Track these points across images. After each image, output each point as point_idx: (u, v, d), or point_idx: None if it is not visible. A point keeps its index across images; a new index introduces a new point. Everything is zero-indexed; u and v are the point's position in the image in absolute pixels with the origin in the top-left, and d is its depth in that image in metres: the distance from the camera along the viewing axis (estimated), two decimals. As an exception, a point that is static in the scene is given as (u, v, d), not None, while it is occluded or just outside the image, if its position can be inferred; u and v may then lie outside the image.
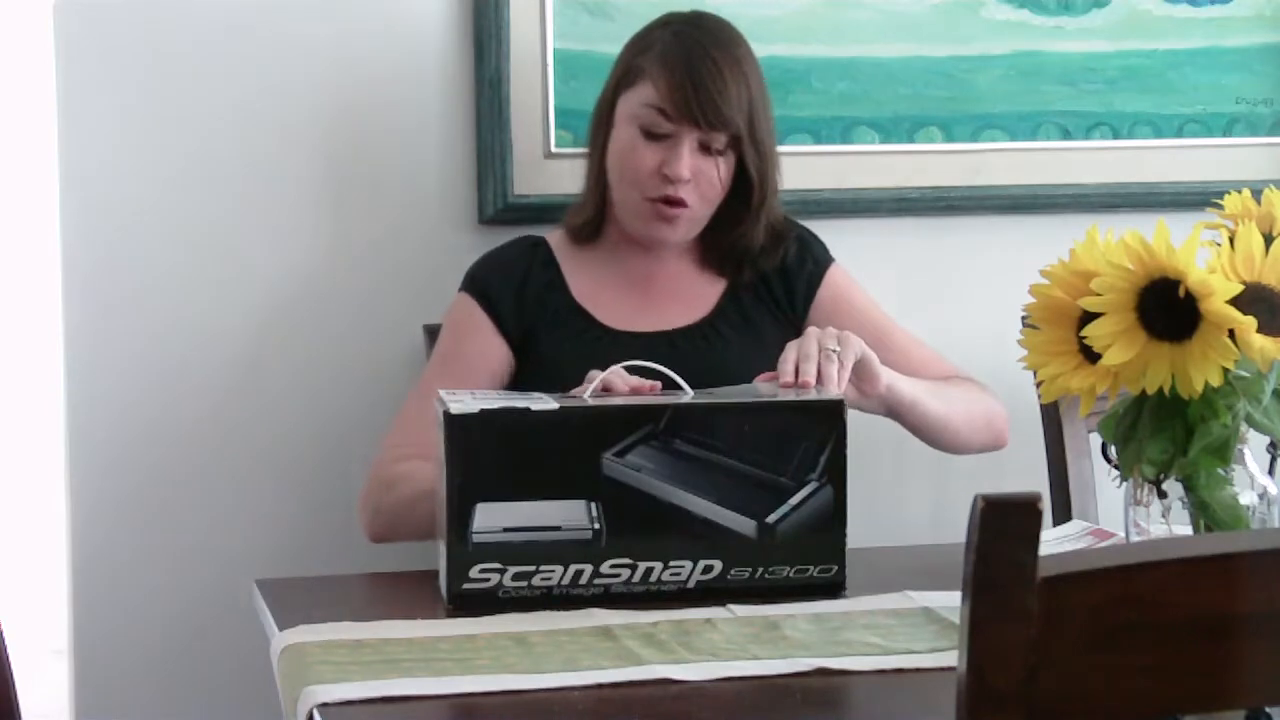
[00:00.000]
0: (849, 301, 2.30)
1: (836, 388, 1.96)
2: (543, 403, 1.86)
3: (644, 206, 2.21)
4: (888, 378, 2.08)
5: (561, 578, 1.84)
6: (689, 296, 2.28)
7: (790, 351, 1.99)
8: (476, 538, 1.83)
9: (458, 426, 1.82)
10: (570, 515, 1.84)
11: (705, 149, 2.20)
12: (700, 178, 2.20)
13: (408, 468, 2.11)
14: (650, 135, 2.20)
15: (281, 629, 1.78)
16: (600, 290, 2.27)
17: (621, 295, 2.27)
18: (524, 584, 1.84)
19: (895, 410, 2.13)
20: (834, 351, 1.99)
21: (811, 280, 2.30)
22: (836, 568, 1.89)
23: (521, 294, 2.25)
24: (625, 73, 2.24)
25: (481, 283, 2.28)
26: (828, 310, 2.27)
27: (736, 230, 2.26)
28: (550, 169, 2.47)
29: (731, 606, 1.83)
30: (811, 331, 2.02)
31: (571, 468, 1.84)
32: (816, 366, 1.96)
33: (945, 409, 2.19)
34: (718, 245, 2.28)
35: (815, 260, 2.31)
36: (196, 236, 2.44)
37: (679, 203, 2.20)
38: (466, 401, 1.86)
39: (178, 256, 2.44)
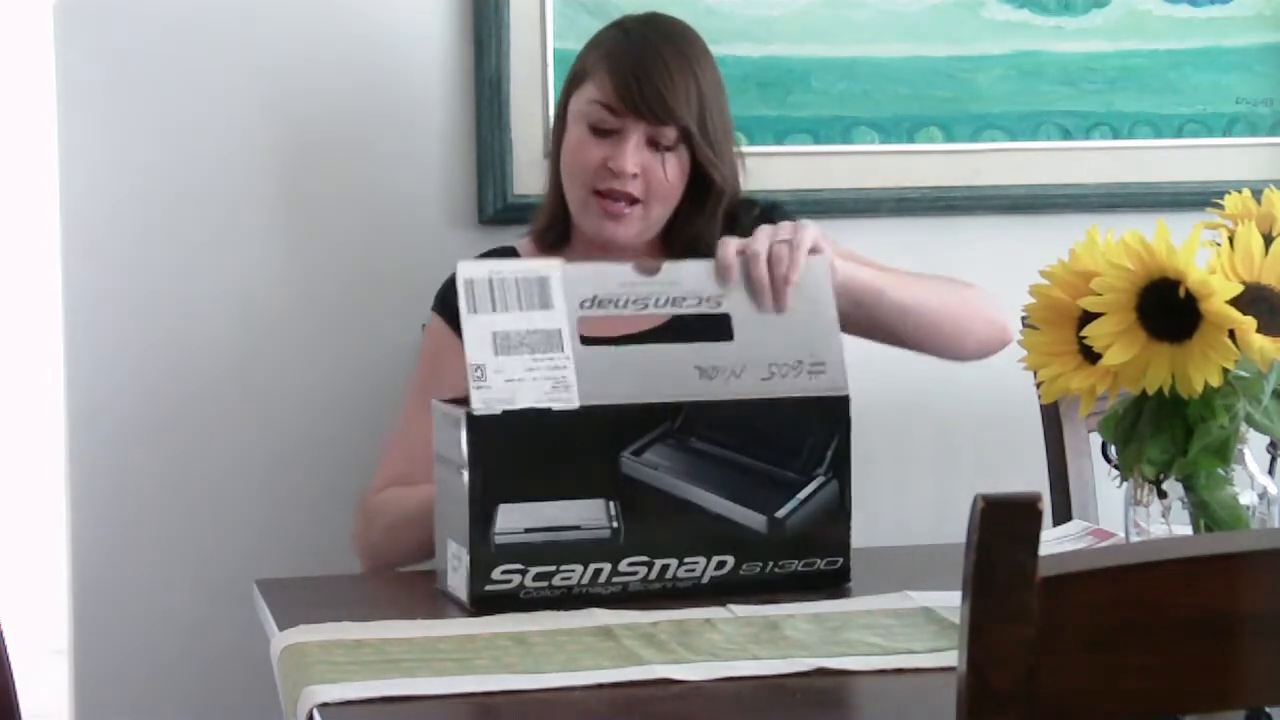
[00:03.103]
0: None
1: (791, 273, 1.91)
2: (563, 402, 1.85)
3: (591, 203, 2.19)
4: (845, 271, 2.02)
5: (581, 577, 1.84)
6: None
7: (731, 245, 1.92)
8: (499, 539, 1.83)
9: (480, 428, 1.82)
10: (589, 514, 1.85)
11: (654, 145, 2.18)
12: (649, 174, 2.18)
13: (385, 498, 2.11)
14: (597, 131, 2.18)
15: (281, 629, 1.78)
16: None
17: None
18: (545, 584, 1.84)
19: (861, 302, 2.06)
20: (785, 242, 1.93)
21: None
22: (842, 559, 1.91)
23: None
24: (575, 73, 2.24)
25: (452, 304, 2.26)
26: None
27: (690, 229, 2.23)
28: (550, 169, 2.48)
29: (731, 606, 1.83)
30: (762, 229, 1.95)
31: (590, 467, 1.85)
32: (766, 261, 1.91)
33: (920, 296, 2.12)
34: (676, 245, 2.25)
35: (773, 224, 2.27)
36: (196, 236, 2.45)
37: (626, 197, 2.18)
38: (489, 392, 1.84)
39: (178, 256, 2.44)
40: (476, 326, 1.83)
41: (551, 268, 1.86)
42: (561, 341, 1.84)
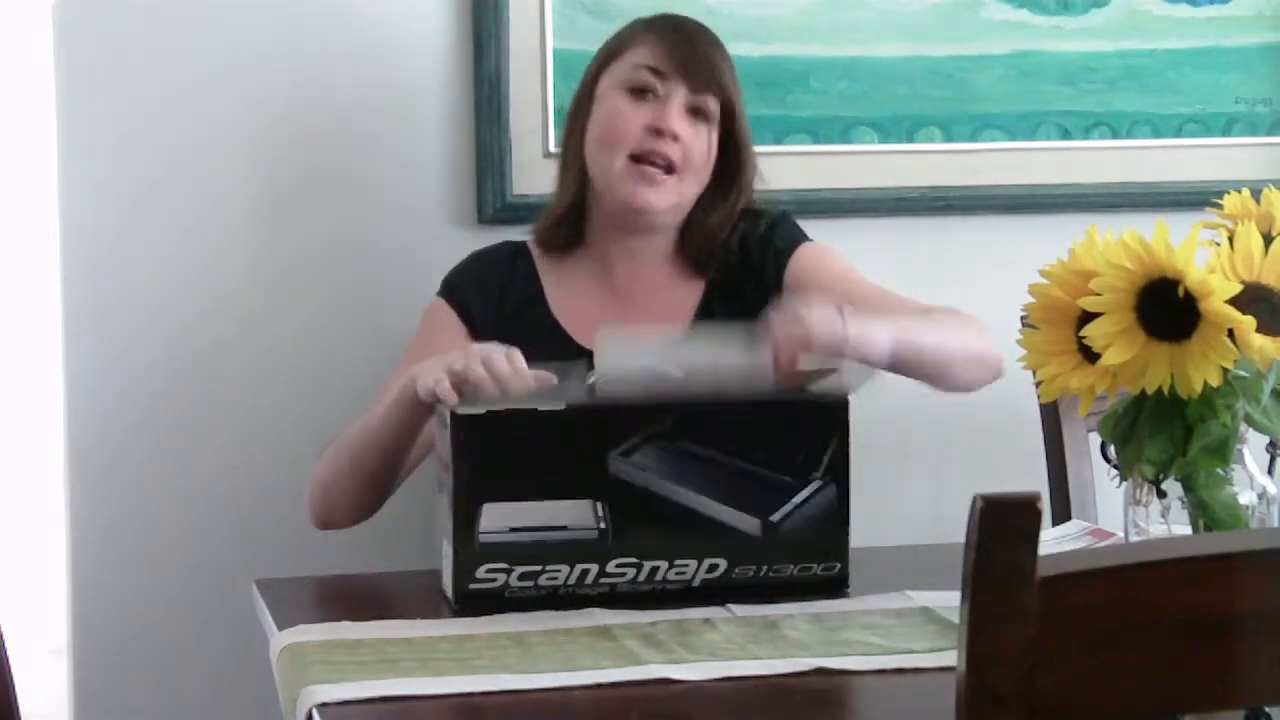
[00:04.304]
0: (816, 281, 2.21)
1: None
2: (550, 402, 1.85)
3: (628, 168, 2.17)
4: (888, 343, 1.97)
5: (568, 577, 1.84)
6: (666, 309, 2.24)
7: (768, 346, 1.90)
8: (483, 538, 1.83)
9: (464, 427, 1.82)
10: (576, 515, 1.85)
11: (695, 114, 2.19)
12: (688, 143, 2.18)
13: (330, 450, 2.15)
14: (639, 95, 2.18)
15: (281, 629, 1.78)
16: (579, 303, 2.25)
17: (601, 309, 2.23)
18: (530, 584, 1.84)
19: (899, 366, 2.04)
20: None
21: (777, 268, 2.24)
22: (840, 565, 1.90)
23: (500, 309, 2.23)
24: (609, 53, 2.24)
25: (461, 293, 2.26)
26: (797, 291, 2.21)
27: (708, 220, 2.23)
28: (550, 168, 2.46)
29: (731, 606, 1.83)
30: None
31: (578, 468, 1.85)
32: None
33: (942, 348, 2.09)
34: (691, 241, 2.24)
35: (778, 250, 2.25)
36: (195, 235, 2.45)
37: (665, 161, 2.17)
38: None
39: (177, 256, 2.44)
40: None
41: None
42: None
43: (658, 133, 2.16)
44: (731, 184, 2.23)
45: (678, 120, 2.17)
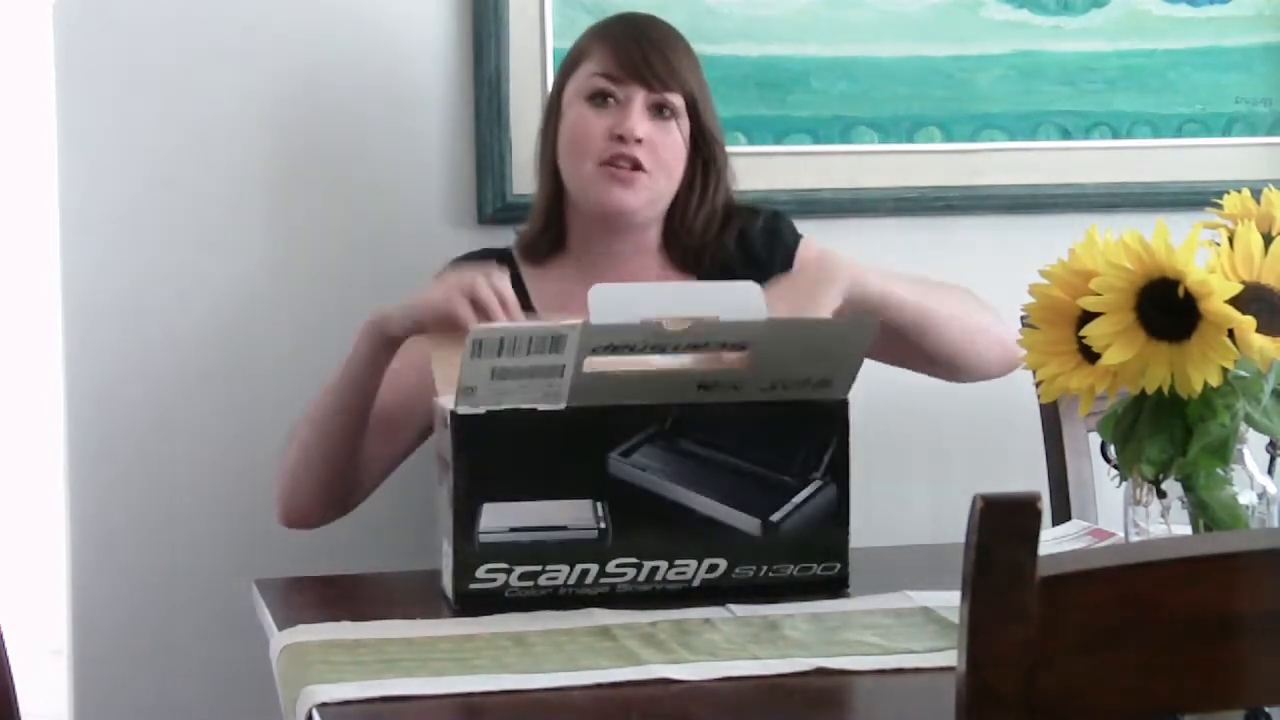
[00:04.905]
0: (831, 261, 2.16)
1: None
2: (550, 401, 1.84)
3: (598, 174, 2.19)
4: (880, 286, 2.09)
5: (567, 577, 1.84)
6: None
7: None
8: (483, 538, 1.82)
9: (463, 427, 1.82)
10: (576, 515, 1.84)
11: (658, 112, 2.19)
12: (656, 143, 2.18)
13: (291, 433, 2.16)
14: (599, 103, 2.19)
15: (281, 629, 1.78)
16: (566, 307, 2.22)
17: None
18: (530, 584, 1.84)
19: (894, 320, 2.11)
20: None
21: (785, 259, 2.25)
22: (840, 565, 1.90)
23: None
24: (568, 61, 2.25)
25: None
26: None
27: (690, 218, 2.23)
28: (550, 169, 2.47)
29: (731, 606, 1.83)
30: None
31: (578, 467, 1.84)
32: None
33: (947, 307, 2.17)
34: (676, 237, 2.25)
35: (786, 244, 2.28)
36: (195, 236, 2.45)
37: (633, 162, 2.18)
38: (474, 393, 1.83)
39: (177, 256, 2.44)
40: (477, 366, 1.81)
41: (570, 326, 1.80)
42: (563, 371, 1.83)
43: (620, 138, 2.17)
44: (707, 175, 2.24)
45: (640, 123, 2.17)
